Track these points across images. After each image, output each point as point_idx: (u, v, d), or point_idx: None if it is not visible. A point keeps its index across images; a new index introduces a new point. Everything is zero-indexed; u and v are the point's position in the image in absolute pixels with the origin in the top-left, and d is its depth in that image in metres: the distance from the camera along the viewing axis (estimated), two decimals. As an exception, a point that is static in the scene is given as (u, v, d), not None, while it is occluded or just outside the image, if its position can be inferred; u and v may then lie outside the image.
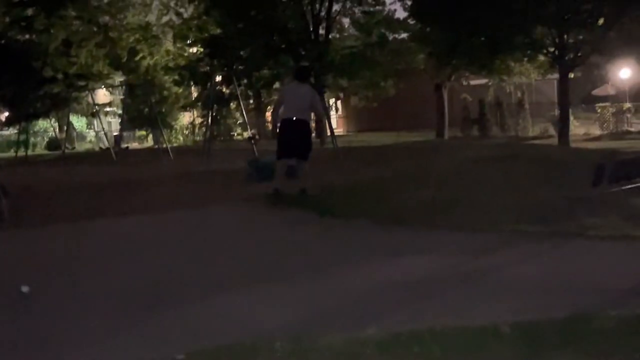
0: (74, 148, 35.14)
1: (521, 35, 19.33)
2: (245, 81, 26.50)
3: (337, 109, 44.15)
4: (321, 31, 28.71)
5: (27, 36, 25.57)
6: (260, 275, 5.65)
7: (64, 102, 26.59)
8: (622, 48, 20.03)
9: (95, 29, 26.98)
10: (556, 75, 24.05)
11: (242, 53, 27.39)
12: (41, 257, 6.98)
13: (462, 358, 3.67)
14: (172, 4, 31.93)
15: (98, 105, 30.28)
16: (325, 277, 5.56)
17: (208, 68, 27.67)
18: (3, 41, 24.80)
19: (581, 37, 20.24)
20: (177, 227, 8.42)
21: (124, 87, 27.48)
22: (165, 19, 32.62)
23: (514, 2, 17.66)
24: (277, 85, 29.16)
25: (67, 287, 5.59)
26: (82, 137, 41.17)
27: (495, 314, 4.23)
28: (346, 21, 31.28)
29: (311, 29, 28.28)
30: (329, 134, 19.62)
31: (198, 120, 37.47)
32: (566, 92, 21.09)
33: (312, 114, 10.11)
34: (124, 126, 29.17)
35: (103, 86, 30.51)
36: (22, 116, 26.11)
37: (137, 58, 31.15)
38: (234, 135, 36.22)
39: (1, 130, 36.23)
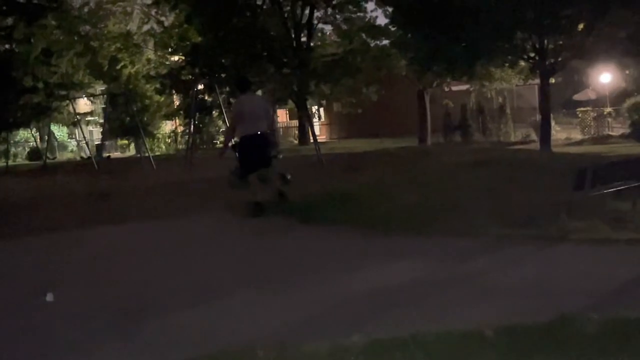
0: (55, 158, 34.83)
1: (501, 41, 19.39)
2: (227, 89, 26.40)
3: (319, 116, 44.15)
4: (303, 38, 28.79)
5: (7, 46, 25.33)
6: (241, 284, 5.64)
7: (44, 111, 26.34)
8: (602, 53, 20.17)
9: (76, 38, 26.79)
10: (537, 81, 24.17)
11: (223, 61, 27.34)
12: (21, 269, 6.92)
13: (446, 363, 3.66)
14: (152, 12, 31.82)
15: (79, 114, 30.05)
16: (308, 284, 5.54)
17: (190, 76, 27.61)
18: (-18, 51, 24.62)
19: (561, 42, 20.34)
20: (159, 236, 8.38)
21: (105, 96, 27.30)
22: (146, 27, 32.61)
23: (494, 9, 17.72)
24: (259, 92, 29.13)
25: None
26: (63, 146, 40.86)
27: (479, 318, 4.23)
28: (328, 28, 31.44)
29: (293, 36, 28.33)
30: (311, 141, 19.58)
31: (180, 129, 37.35)
32: (547, 97, 21.16)
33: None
34: (105, 135, 28.99)
35: (84, 95, 30.31)
36: (3, 126, 25.82)
37: (118, 67, 31.10)
38: (216, 143, 36.10)
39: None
